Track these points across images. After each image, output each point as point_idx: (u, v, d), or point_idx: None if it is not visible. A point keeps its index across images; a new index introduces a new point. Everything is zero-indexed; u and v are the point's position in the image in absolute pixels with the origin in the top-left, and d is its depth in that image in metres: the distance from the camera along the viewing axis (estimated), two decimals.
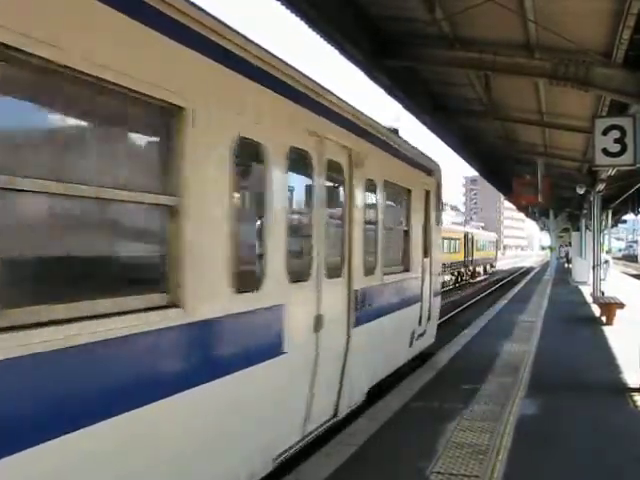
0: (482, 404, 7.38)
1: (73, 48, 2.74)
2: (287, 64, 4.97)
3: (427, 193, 9.80)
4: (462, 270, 39.30)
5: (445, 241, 34.44)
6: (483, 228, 66.01)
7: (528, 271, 54.94)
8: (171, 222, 3.50)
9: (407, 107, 13.51)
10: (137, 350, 3.27)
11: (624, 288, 24.13)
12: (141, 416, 3.17)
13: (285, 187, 4.96)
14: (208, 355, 3.91)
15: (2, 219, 2.62)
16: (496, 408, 7.18)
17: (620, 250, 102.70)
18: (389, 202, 8.17)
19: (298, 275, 5.16)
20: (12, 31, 2.43)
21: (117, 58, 3.04)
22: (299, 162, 5.26)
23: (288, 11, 7.90)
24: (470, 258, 41.86)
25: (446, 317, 21.37)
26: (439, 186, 10.71)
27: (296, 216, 5.69)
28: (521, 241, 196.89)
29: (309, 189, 5.63)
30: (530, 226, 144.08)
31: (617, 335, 12.82)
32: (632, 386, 8.27)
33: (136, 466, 3.23)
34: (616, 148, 8.63)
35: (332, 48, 9.19)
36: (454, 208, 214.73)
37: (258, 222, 4.64)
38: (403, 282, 8.46)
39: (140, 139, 3.85)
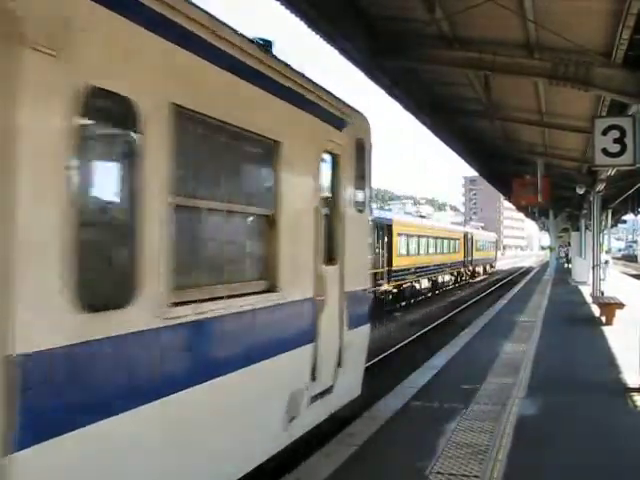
0: (482, 404, 7.39)
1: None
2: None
3: (335, 158, 6.19)
4: (462, 270, 39.30)
5: (445, 241, 34.47)
6: (483, 228, 65.99)
7: (528, 271, 54.98)
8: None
9: (407, 107, 13.52)
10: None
11: (624, 288, 24.14)
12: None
13: None
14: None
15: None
16: (496, 408, 7.18)
17: (620, 250, 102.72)
18: (194, 154, 4.27)
19: None
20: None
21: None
22: None
23: (288, 11, 7.91)
24: (470, 258, 41.85)
25: (446, 317, 21.45)
26: (363, 149, 6.94)
27: None
28: (521, 241, 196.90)
29: None
30: (530, 226, 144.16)
31: (617, 335, 12.82)
32: (632, 386, 8.27)
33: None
34: (616, 148, 8.62)
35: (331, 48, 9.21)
36: (454, 208, 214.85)
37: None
38: (258, 312, 4.67)
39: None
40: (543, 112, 13.63)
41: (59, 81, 2.82)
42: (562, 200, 30.00)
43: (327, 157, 6.06)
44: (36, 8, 2.72)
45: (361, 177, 6.92)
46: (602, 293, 19.27)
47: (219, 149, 4.54)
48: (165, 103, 3.56)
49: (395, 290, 23.54)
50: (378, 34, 9.96)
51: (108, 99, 3.17)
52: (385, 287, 21.95)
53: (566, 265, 46.81)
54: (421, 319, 21.63)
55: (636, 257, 79.78)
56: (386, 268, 22.01)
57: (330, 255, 6.03)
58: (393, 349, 14.86)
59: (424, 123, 15.39)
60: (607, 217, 29.35)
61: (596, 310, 16.48)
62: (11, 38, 2.59)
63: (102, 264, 3.36)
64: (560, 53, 8.99)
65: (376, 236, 21.13)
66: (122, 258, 3.45)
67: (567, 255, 49.24)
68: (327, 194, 6.10)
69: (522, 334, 13.19)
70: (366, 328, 7.18)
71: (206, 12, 4.05)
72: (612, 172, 15.95)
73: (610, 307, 14.98)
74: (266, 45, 5.16)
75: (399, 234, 24.43)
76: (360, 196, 6.92)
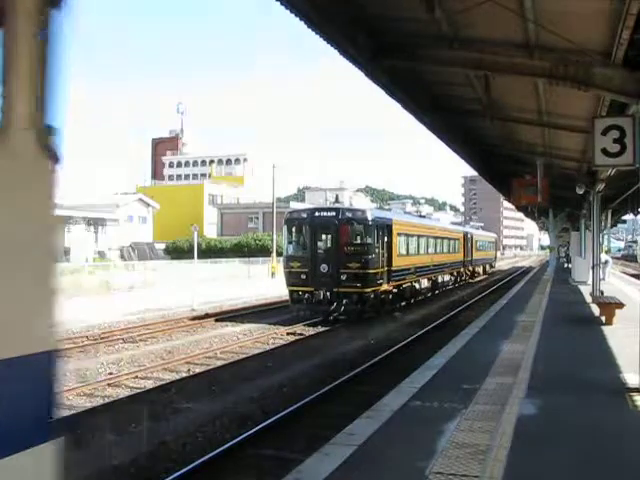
0: (482, 404, 7.39)
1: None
2: None
3: None
4: (461, 270, 39.30)
5: (444, 241, 34.48)
6: (482, 228, 65.94)
7: (527, 271, 54.98)
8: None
9: (407, 107, 13.52)
10: None
11: (624, 288, 24.15)
12: None
13: None
14: None
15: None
16: (496, 408, 7.19)
17: (619, 250, 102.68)
18: None
19: None
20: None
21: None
22: None
23: (287, 12, 7.91)
24: (469, 258, 41.85)
25: (446, 317, 21.47)
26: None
27: None
28: (520, 241, 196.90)
29: None
30: (529, 226, 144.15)
31: (616, 335, 12.83)
32: (631, 386, 8.27)
33: None
34: (615, 148, 8.62)
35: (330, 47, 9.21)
36: (453, 208, 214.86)
37: None
38: None
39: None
40: (543, 112, 13.63)
41: None
42: (562, 200, 30.00)
43: None
44: None
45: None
46: (602, 293, 19.27)
47: None
48: None
49: (395, 290, 23.54)
50: (378, 34, 9.96)
51: None
52: (385, 287, 21.97)
53: (566, 265, 46.83)
54: (421, 319, 21.65)
55: (635, 257, 79.70)
56: (386, 268, 22.02)
57: None
58: (392, 349, 14.88)
59: (424, 123, 15.40)
60: (607, 217, 29.35)
61: (596, 310, 16.49)
62: None
63: None
64: (560, 53, 8.99)
65: (376, 236, 21.17)
66: None
67: (567, 255, 49.22)
68: None
69: (522, 334, 13.19)
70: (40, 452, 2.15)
71: None
72: (612, 172, 15.96)
73: (610, 307, 14.98)
74: None
75: (399, 234, 24.44)
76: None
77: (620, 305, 14.91)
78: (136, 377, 12.50)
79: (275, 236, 45.75)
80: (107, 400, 10.68)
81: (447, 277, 35.26)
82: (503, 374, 9.08)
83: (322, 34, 8.70)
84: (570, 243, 37.59)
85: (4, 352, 1.98)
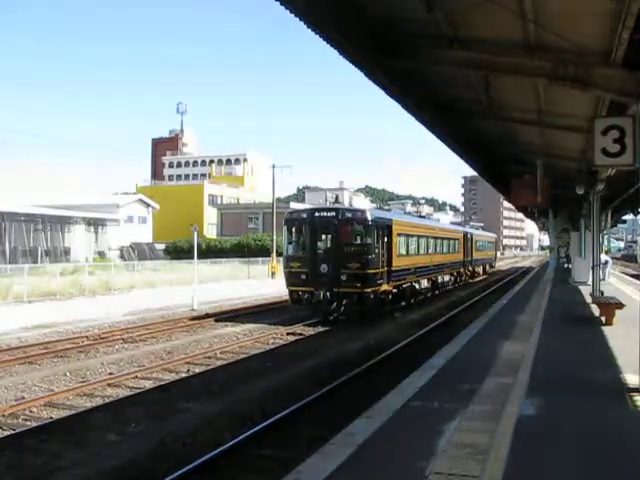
0: (482, 404, 7.39)
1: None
2: None
3: None
4: (461, 270, 39.28)
5: (444, 241, 34.46)
6: (482, 228, 65.89)
7: (527, 271, 54.99)
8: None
9: (406, 107, 13.51)
10: None
11: (624, 288, 24.14)
12: None
13: None
14: None
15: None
16: (496, 408, 7.18)
17: (619, 250, 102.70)
18: None
19: None
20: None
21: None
22: None
23: (288, 12, 7.90)
24: (469, 258, 41.81)
25: (446, 317, 21.46)
26: None
27: None
28: (520, 241, 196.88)
29: None
30: (529, 226, 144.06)
31: (616, 335, 12.83)
32: (631, 386, 8.27)
33: None
34: (615, 148, 8.61)
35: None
36: (453, 208, 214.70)
37: None
38: None
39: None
40: (543, 112, 13.61)
41: None
42: (562, 200, 29.99)
43: None
44: None
45: None
46: (602, 293, 19.27)
47: None
48: None
49: (395, 290, 23.53)
50: (377, 34, 9.95)
51: None
52: (385, 287, 21.96)
53: (566, 265, 46.82)
54: (421, 319, 21.65)
55: (635, 257, 79.71)
56: (386, 268, 22.01)
57: None
58: (393, 349, 14.87)
59: (424, 123, 15.38)
60: (607, 217, 29.34)
61: (596, 310, 16.49)
62: None
63: None
64: (560, 53, 8.99)
65: (376, 236, 21.16)
66: None
67: (567, 255, 49.21)
68: None
69: (522, 334, 13.19)
70: None
71: None
72: (612, 172, 15.95)
73: (610, 307, 14.98)
74: None
75: (399, 234, 24.42)
76: None
77: (620, 305, 14.91)
78: (136, 377, 12.50)
79: (275, 236, 45.75)
80: (107, 400, 10.68)
81: (447, 277, 35.24)
82: (503, 374, 9.08)
83: (322, 34, 8.69)
84: (570, 243, 37.57)
85: None
